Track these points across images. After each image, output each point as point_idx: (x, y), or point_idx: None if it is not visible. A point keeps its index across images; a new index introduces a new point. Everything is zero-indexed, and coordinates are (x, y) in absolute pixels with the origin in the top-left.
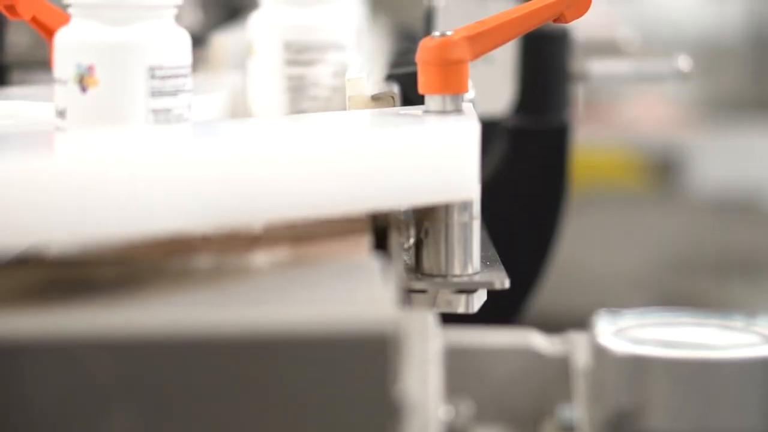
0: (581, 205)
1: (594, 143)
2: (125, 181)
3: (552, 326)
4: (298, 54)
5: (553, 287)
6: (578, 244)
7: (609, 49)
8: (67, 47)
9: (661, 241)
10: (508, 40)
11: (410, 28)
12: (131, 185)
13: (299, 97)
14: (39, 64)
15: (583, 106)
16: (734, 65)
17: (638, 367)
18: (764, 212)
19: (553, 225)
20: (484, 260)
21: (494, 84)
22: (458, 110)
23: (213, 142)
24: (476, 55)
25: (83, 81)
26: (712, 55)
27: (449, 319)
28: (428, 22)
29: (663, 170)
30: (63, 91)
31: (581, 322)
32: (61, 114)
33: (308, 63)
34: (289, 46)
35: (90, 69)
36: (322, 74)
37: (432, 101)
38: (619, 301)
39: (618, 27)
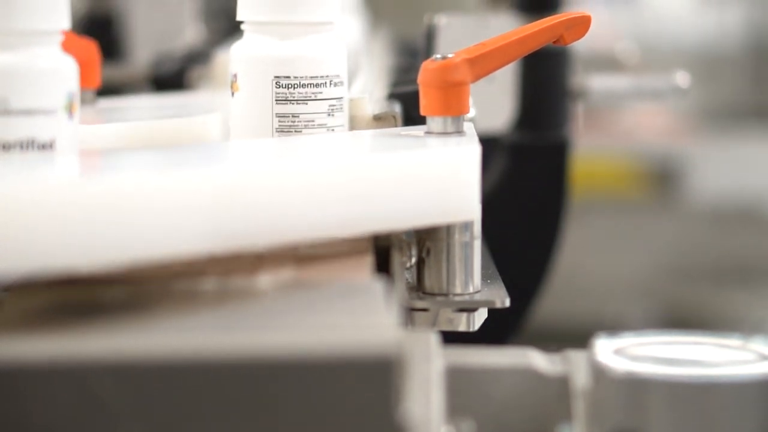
0: (581, 213)
1: (593, 152)
2: (128, 203)
3: (552, 333)
4: (290, 90)
5: (553, 294)
6: (578, 252)
7: (608, 63)
8: (50, 76)
9: (661, 249)
10: (509, 62)
11: (411, 43)
12: (134, 208)
13: None
14: None
15: (582, 114)
16: (733, 74)
17: (637, 386)
18: (763, 220)
19: (553, 240)
20: (485, 278)
21: (494, 100)
22: (459, 131)
23: (214, 163)
24: (477, 78)
25: (71, 108)
26: (711, 64)
27: (451, 334)
28: (429, 40)
29: (662, 179)
30: (48, 121)
31: (581, 329)
32: (45, 146)
33: (301, 100)
34: (279, 82)
35: (74, 95)
36: (316, 112)
37: (433, 122)
38: (618, 309)
39: (617, 39)
